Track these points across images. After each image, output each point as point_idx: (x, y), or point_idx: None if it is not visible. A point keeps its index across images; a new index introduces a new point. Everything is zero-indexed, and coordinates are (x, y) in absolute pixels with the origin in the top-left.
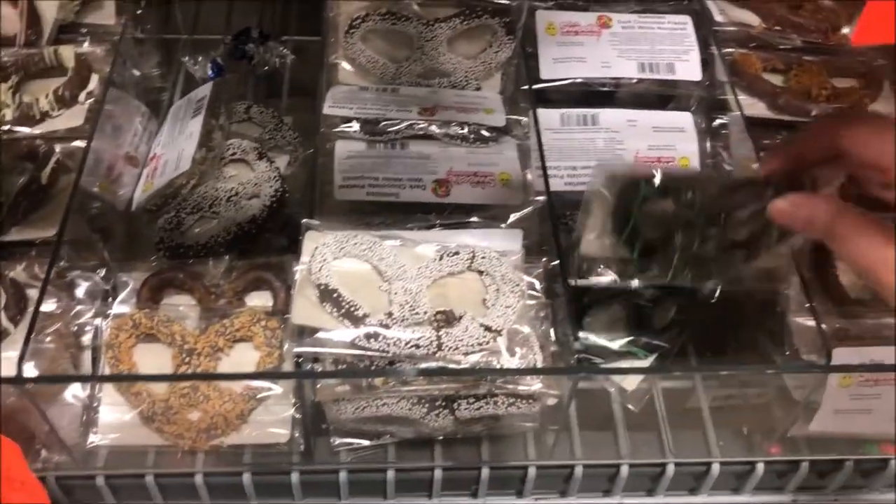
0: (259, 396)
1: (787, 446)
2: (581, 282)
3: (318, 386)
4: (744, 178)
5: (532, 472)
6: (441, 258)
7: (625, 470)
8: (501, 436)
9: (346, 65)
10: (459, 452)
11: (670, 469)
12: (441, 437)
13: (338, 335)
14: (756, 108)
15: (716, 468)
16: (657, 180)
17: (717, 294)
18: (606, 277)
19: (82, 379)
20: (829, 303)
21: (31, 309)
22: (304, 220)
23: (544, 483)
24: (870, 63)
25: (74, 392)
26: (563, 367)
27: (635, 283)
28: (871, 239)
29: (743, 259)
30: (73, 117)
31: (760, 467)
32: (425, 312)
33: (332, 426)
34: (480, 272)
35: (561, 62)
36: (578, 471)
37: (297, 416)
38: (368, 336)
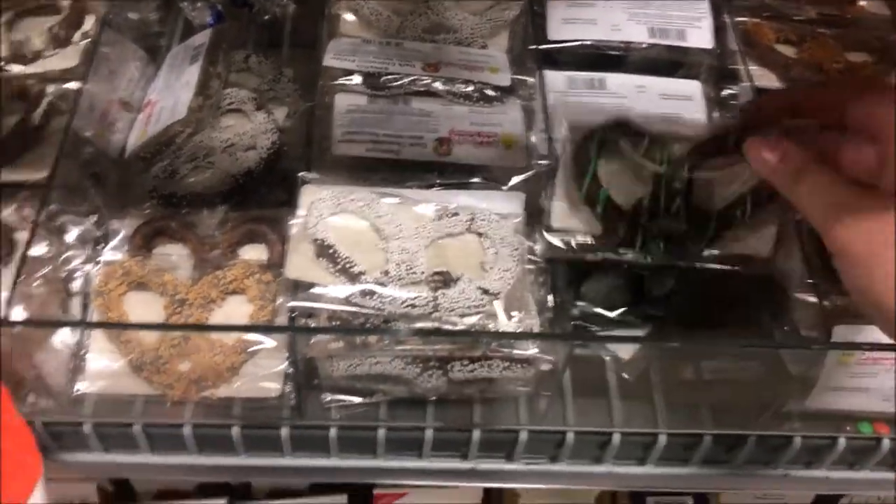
0: (251, 350)
1: (781, 422)
2: (554, 253)
3: (312, 341)
4: (718, 127)
5: (524, 436)
6: (440, 218)
7: (616, 438)
8: (494, 399)
9: (348, 16)
10: (451, 414)
11: (662, 439)
12: (433, 398)
13: (333, 291)
14: (767, 79)
15: (707, 440)
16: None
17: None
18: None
19: (71, 324)
20: (831, 279)
21: (19, 252)
22: (301, 174)
23: (535, 448)
24: (884, 38)
25: (63, 338)
26: (558, 334)
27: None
28: (837, 205)
29: (717, 228)
30: (66, 58)
31: (751, 441)
32: (422, 272)
33: (324, 382)
34: (480, 234)
35: (570, 23)
36: (570, 437)
37: (289, 370)
38: (364, 293)
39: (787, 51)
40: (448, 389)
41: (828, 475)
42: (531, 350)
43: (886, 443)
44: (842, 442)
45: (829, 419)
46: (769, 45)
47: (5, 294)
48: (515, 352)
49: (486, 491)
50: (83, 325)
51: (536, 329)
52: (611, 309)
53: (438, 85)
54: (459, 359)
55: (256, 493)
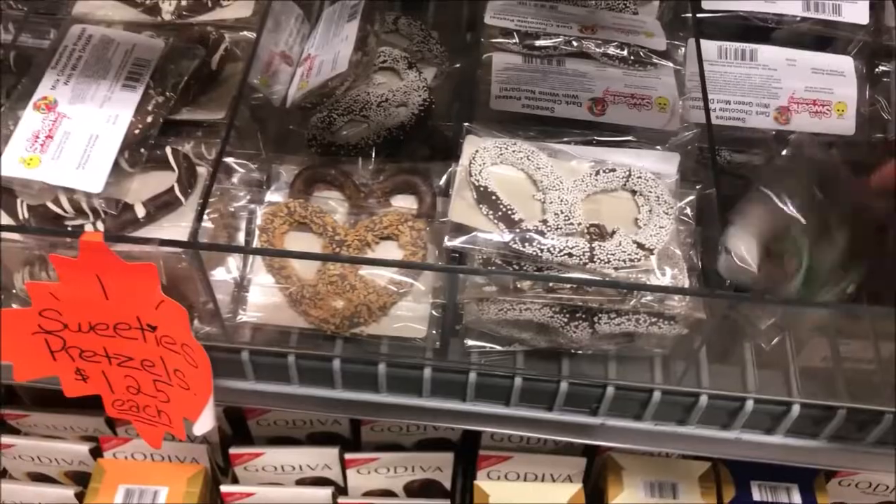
0: (401, 291)
1: None
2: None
3: (467, 284)
4: None
5: (657, 395)
6: (597, 174)
7: (749, 404)
8: (628, 357)
9: None
10: (585, 368)
11: (795, 409)
12: (569, 352)
13: (493, 236)
14: None
15: (841, 414)
16: None
17: None
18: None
19: (245, 251)
20: None
21: (202, 184)
22: (466, 124)
23: (666, 411)
24: None
25: (229, 268)
26: (711, 291)
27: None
28: None
29: None
30: (241, 8)
31: (887, 418)
32: (579, 224)
33: (469, 328)
34: (634, 192)
35: None
36: (703, 400)
37: (435, 314)
38: (523, 240)
39: None
40: (589, 342)
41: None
42: (680, 306)
43: None
44: None
45: None
46: None
47: (190, 223)
48: (665, 307)
49: (589, 461)
50: (253, 251)
51: (687, 286)
52: None
53: (593, 47)
54: (608, 311)
55: (365, 445)
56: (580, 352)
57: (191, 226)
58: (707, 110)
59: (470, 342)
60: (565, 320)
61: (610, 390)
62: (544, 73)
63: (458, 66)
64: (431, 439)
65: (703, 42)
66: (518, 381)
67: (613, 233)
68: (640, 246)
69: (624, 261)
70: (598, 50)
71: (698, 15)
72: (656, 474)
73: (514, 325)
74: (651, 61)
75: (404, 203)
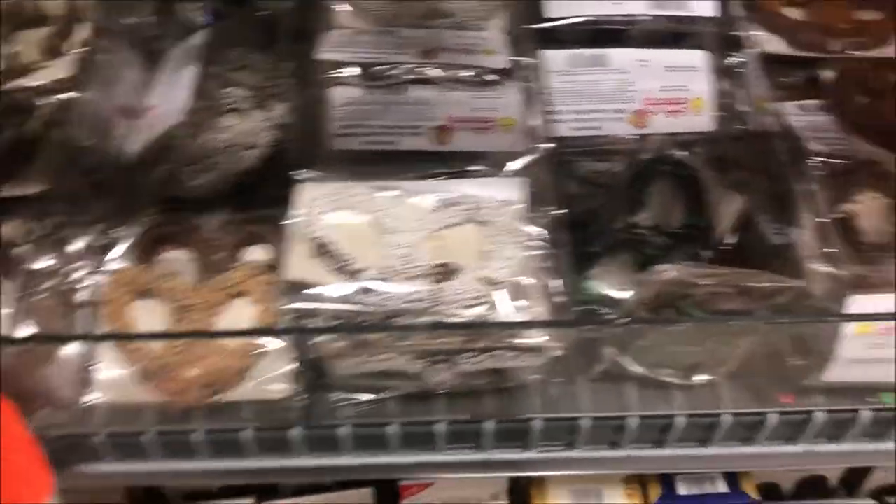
0: (257, 353)
1: (801, 396)
2: None
3: (315, 342)
4: None
5: (538, 424)
6: (440, 209)
7: (633, 422)
8: (506, 388)
9: (343, 6)
10: (463, 405)
11: (679, 421)
12: (444, 391)
13: (333, 290)
14: (774, 44)
15: (726, 419)
16: None
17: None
18: None
19: (73, 338)
20: (847, 248)
21: (23, 266)
22: (295, 173)
23: (550, 435)
24: None
25: (71, 350)
26: (563, 321)
27: None
28: None
29: None
30: (60, 68)
31: (773, 418)
32: (424, 265)
33: (333, 381)
34: (481, 223)
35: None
36: (585, 423)
37: (298, 371)
38: (365, 290)
39: (795, 13)
40: (458, 382)
41: (854, 448)
42: (540, 338)
43: None
44: (865, 414)
45: (852, 393)
46: (774, 8)
47: (6, 311)
48: (523, 341)
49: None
50: (89, 338)
51: (544, 316)
52: (622, 290)
53: (435, 71)
54: (466, 351)
55: (283, 489)
56: (455, 390)
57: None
58: (548, 124)
59: (338, 395)
60: (424, 365)
61: (489, 426)
62: (386, 104)
63: (308, 99)
64: None
65: (552, 52)
66: (393, 428)
67: (460, 270)
68: (488, 280)
69: (472, 298)
70: (440, 74)
71: (541, 25)
72: (581, 480)
73: (376, 376)
74: (494, 80)
75: (259, 254)
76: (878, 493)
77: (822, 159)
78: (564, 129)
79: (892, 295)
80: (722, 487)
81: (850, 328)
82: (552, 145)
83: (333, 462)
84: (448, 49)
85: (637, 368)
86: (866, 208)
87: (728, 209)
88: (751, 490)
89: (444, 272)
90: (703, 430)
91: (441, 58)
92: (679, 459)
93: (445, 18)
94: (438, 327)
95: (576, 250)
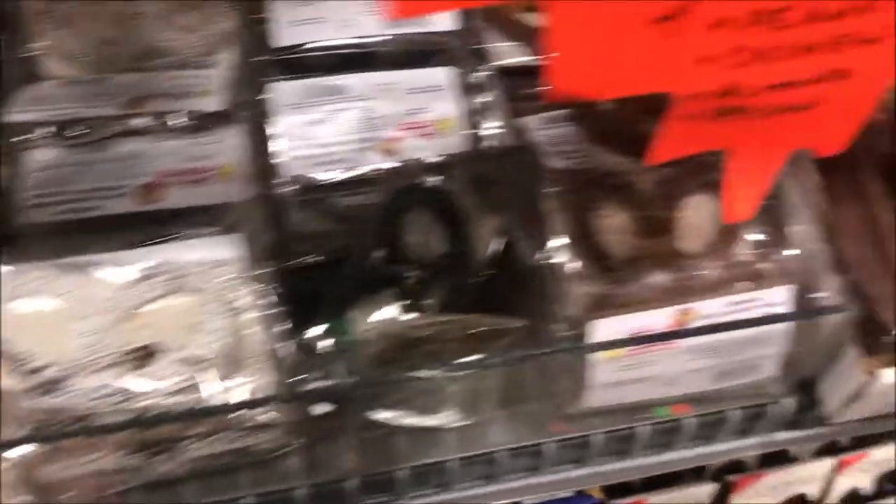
0: None
1: (575, 422)
2: None
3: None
4: None
5: (301, 493)
6: (139, 282)
7: (405, 474)
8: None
9: (44, 57)
10: (217, 485)
11: (454, 464)
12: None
13: (12, 395)
14: (515, 54)
15: (502, 455)
16: None
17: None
18: None
19: None
20: (593, 265)
21: None
22: None
23: (319, 501)
24: None
25: None
26: (266, 398)
27: None
28: None
29: None
30: None
31: (552, 448)
32: (115, 353)
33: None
34: (191, 292)
35: (298, 25)
36: (351, 484)
37: None
38: (47, 391)
39: (531, 19)
40: (196, 465)
41: (636, 463)
42: (266, 415)
43: (690, 421)
44: (642, 430)
45: (624, 412)
46: (511, 16)
47: None
48: (248, 418)
49: None
50: None
51: (267, 388)
52: None
53: (142, 121)
54: (186, 438)
55: None
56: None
57: None
58: (283, 164)
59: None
60: (142, 459)
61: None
62: (86, 165)
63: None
64: None
65: (286, 84)
66: None
67: (163, 351)
68: (193, 360)
69: (177, 382)
70: (148, 123)
71: (267, 57)
72: None
73: (91, 476)
74: (210, 125)
75: None
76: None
77: (563, 173)
78: (302, 168)
79: (635, 314)
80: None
81: (597, 354)
82: (289, 188)
83: None
84: (158, 95)
85: (398, 419)
86: (607, 221)
87: (486, 233)
88: (595, 491)
89: (143, 357)
90: (484, 467)
91: (149, 105)
92: (462, 501)
93: (164, 58)
94: (136, 424)
95: (330, 293)
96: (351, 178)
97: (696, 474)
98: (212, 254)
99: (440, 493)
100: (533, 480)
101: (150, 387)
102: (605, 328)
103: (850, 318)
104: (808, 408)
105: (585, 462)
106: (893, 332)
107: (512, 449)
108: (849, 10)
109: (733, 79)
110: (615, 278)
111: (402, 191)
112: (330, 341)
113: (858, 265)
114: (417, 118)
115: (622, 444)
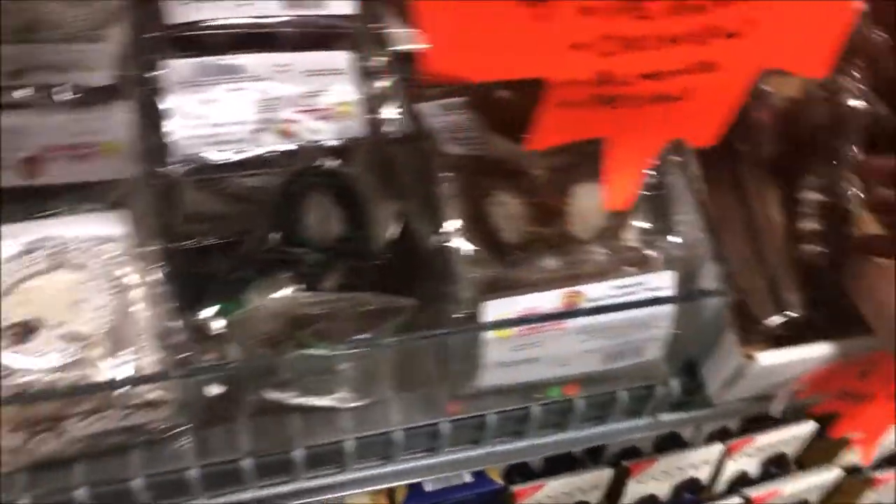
0: None
1: (471, 401)
2: None
3: None
4: None
5: (194, 473)
6: (19, 256)
7: (299, 454)
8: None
9: None
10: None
11: (349, 444)
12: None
13: None
14: (416, 39)
15: (399, 435)
16: None
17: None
18: None
19: None
20: (486, 249)
21: None
22: None
23: (211, 483)
24: None
25: None
26: (159, 373)
27: None
28: None
29: None
30: None
31: (447, 427)
32: None
33: None
34: (73, 267)
35: (192, 2)
36: (248, 463)
37: None
38: None
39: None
40: (83, 445)
41: (532, 443)
42: (152, 393)
43: (581, 402)
44: (536, 410)
45: (517, 392)
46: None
47: None
48: (132, 397)
49: None
50: None
51: (153, 366)
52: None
53: (24, 92)
54: (70, 416)
55: None
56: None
57: None
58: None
59: None
60: (25, 437)
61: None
62: None
63: None
64: None
65: (179, 62)
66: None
67: (42, 327)
68: (75, 336)
69: (56, 359)
70: (31, 95)
71: (159, 33)
72: None
73: None
74: (96, 100)
75: None
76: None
77: (457, 159)
78: (194, 147)
79: (526, 295)
80: (468, 477)
81: (490, 334)
82: (181, 167)
83: None
84: (43, 67)
85: (292, 399)
86: (500, 207)
87: (384, 217)
88: (495, 476)
89: (21, 332)
90: (381, 448)
91: (33, 77)
92: (358, 482)
93: (51, 31)
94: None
95: (225, 274)
96: (246, 159)
97: (593, 460)
98: (96, 230)
99: (336, 473)
100: (431, 461)
101: (30, 363)
102: (496, 308)
103: (727, 304)
104: (693, 391)
105: (482, 443)
106: (764, 322)
107: (408, 429)
108: (711, 5)
109: (606, 67)
110: (507, 262)
111: (300, 173)
112: (222, 322)
113: (734, 257)
114: (316, 101)
115: (517, 425)
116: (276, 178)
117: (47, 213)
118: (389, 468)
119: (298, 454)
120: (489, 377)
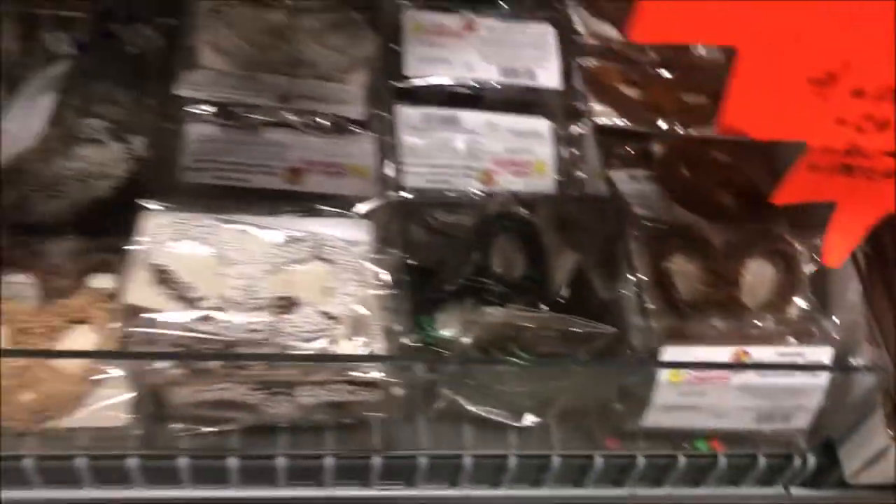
0: (96, 378)
1: (625, 441)
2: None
3: (151, 368)
4: None
5: (377, 461)
6: (286, 245)
7: (468, 461)
8: (347, 425)
9: (207, 48)
10: (304, 441)
11: (512, 461)
12: (285, 425)
13: (171, 317)
14: (610, 117)
15: (556, 461)
16: None
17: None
18: None
19: None
20: (662, 304)
21: None
22: (141, 201)
23: (390, 473)
24: (722, 80)
25: None
26: (392, 356)
27: None
28: None
29: None
30: None
31: (599, 461)
32: (265, 297)
33: (172, 411)
34: (326, 260)
35: (426, 62)
36: (423, 461)
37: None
38: (202, 318)
39: (630, 91)
40: (298, 415)
41: (670, 493)
42: (376, 374)
43: (723, 460)
44: (682, 460)
45: (669, 438)
46: (611, 85)
47: None
48: (359, 375)
49: None
50: None
51: (381, 354)
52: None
53: (292, 116)
54: (304, 383)
55: None
56: (296, 423)
57: None
58: (400, 174)
59: (177, 425)
60: (263, 396)
61: (329, 461)
62: (240, 143)
63: (168, 134)
64: None
65: (408, 109)
66: (233, 461)
67: (301, 304)
68: (327, 315)
69: (311, 332)
70: (296, 119)
71: (399, 84)
72: None
73: (214, 406)
74: (349, 129)
75: (104, 282)
76: None
77: (646, 223)
78: (416, 181)
79: (700, 348)
80: None
81: (664, 376)
82: (403, 195)
83: (171, 494)
84: (306, 96)
85: (472, 408)
86: (680, 269)
87: (563, 265)
88: None
89: (286, 305)
90: (536, 472)
91: (298, 104)
92: (513, 500)
93: (307, 68)
94: (274, 359)
95: (421, 294)
96: (453, 198)
97: None
98: (348, 233)
99: (492, 488)
100: (575, 492)
101: (292, 329)
102: (673, 354)
103: (879, 384)
104: (828, 469)
105: (625, 484)
106: None
107: (564, 456)
108: None
109: (858, 141)
110: (682, 316)
111: (494, 216)
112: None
113: (887, 340)
114: (515, 157)
115: (659, 473)
116: (472, 217)
117: (309, 212)
118: (542, 491)
119: (468, 461)
120: (653, 418)
